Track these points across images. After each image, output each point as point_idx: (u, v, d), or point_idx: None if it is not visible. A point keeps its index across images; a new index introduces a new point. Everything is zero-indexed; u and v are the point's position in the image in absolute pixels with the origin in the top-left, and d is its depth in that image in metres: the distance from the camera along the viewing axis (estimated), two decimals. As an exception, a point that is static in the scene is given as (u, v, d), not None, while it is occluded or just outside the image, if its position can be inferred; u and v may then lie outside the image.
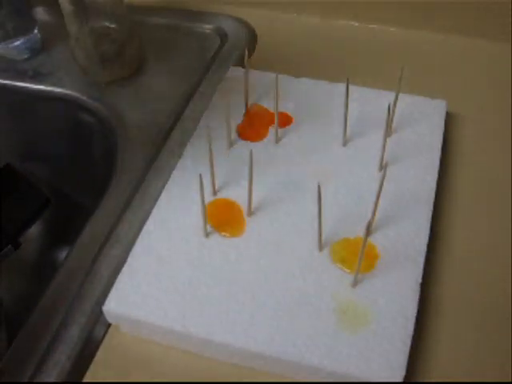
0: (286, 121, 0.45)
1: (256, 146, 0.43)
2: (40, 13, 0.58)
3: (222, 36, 0.55)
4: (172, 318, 0.34)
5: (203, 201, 0.36)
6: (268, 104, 0.46)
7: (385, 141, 0.40)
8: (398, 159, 0.42)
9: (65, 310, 0.37)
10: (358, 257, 0.34)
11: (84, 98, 0.51)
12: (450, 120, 0.46)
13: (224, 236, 0.38)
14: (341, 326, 0.33)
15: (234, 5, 0.57)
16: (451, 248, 0.39)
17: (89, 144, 0.54)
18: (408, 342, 0.33)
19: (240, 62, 0.50)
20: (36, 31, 0.54)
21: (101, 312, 0.35)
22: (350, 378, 0.32)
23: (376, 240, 0.37)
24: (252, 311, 0.34)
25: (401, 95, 0.43)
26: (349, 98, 0.41)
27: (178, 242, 0.38)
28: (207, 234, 0.38)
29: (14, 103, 0.54)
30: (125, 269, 0.36)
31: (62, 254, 0.58)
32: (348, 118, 0.42)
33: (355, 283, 0.35)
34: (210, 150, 0.38)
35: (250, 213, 0.39)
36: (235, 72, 0.49)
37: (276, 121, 0.43)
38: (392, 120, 0.43)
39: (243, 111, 0.46)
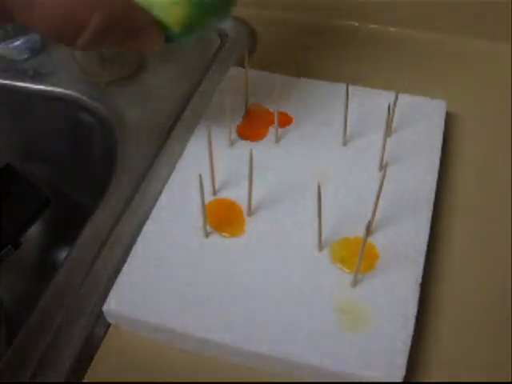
0: (286, 121, 0.45)
1: (256, 146, 0.43)
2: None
3: (222, 36, 0.55)
4: (172, 318, 0.34)
5: (203, 201, 0.36)
6: (268, 104, 0.46)
7: (385, 141, 0.40)
8: (398, 159, 0.42)
9: (65, 309, 0.37)
10: (357, 257, 0.34)
11: (84, 98, 0.51)
12: (450, 120, 0.46)
13: (224, 236, 0.38)
14: (341, 326, 0.33)
15: (234, 5, 0.57)
16: (451, 248, 0.39)
17: (89, 144, 0.54)
18: (408, 342, 0.33)
19: (240, 62, 0.50)
20: (36, 31, 0.54)
21: (101, 312, 0.35)
22: (349, 377, 0.32)
23: (376, 240, 0.37)
24: (252, 311, 0.34)
25: (401, 95, 0.43)
26: (349, 98, 0.41)
27: (178, 242, 0.38)
28: (207, 234, 0.38)
29: (14, 103, 0.54)
30: (125, 269, 0.36)
31: (62, 254, 0.58)
32: (348, 118, 0.42)
33: (355, 283, 0.35)
34: (210, 150, 0.38)
35: (250, 213, 0.39)
36: (235, 72, 0.49)
37: (276, 121, 0.43)
38: (392, 120, 0.43)
39: (243, 111, 0.46)
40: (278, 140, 0.44)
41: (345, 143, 0.43)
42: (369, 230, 0.33)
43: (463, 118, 0.47)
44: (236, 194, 0.40)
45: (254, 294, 0.35)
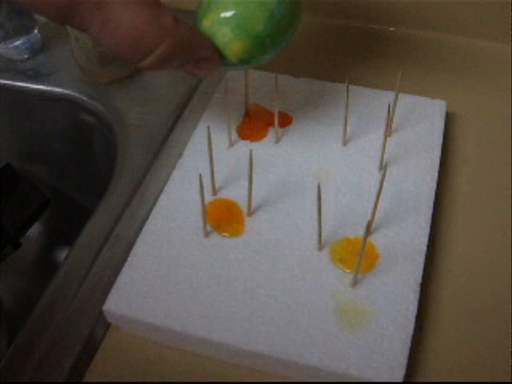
0: (285, 121, 0.45)
1: (256, 146, 0.43)
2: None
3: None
4: (172, 318, 0.34)
5: (203, 201, 0.36)
6: (268, 104, 0.46)
7: (385, 141, 0.40)
8: (398, 159, 0.42)
9: (65, 309, 0.37)
10: (357, 257, 0.34)
11: (84, 98, 0.51)
12: (450, 120, 0.46)
13: (224, 236, 0.38)
14: (341, 326, 0.33)
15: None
16: (451, 248, 0.39)
17: (89, 144, 0.54)
18: (408, 342, 0.33)
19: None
20: (36, 31, 0.54)
21: (101, 312, 0.35)
22: (349, 378, 0.32)
23: (376, 240, 0.37)
24: (252, 311, 0.34)
25: (401, 95, 0.43)
26: (349, 98, 0.41)
27: (177, 242, 0.38)
28: (207, 234, 0.38)
29: (14, 103, 0.55)
30: (125, 269, 0.36)
31: (62, 254, 0.58)
32: (348, 117, 0.42)
33: (355, 283, 0.35)
34: (210, 150, 0.38)
35: (250, 213, 0.39)
36: (235, 72, 0.49)
37: (276, 121, 0.43)
38: (392, 120, 0.43)
39: (243, 111, 0.46)
40: (277, 140, 0.44)
41: (345, 143, 0.43)
42: (369, 230, 0.33)
43: (463, 118, 0.47)
44: (236, 194, 0.40)
45: (254, 294, 0.35)
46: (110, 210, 0.42)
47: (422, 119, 0.45)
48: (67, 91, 0.51)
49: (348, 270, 0.36)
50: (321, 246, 0.37)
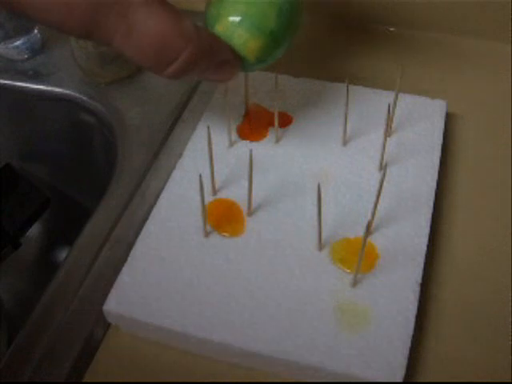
0: (286, 121, 0.45)
1: (256, 146, 0.43)
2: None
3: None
4: (172, 318, 0.34)
5: (203, 201, 0.36)
6: (268, 104, 0.46)
7: (385, 141, 0.40)
8: (397, 159, 0.42)
9: (65, 309, 0.37)
10: (358, 257, 0.34)
11: (84, 98, 0.51)
12: (450, 120, 0.46)
13: (224, 236, 0.38)
14: (341, 326, 0.33)
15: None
16: (451, 248, 0.39)
17: (89, 144, 0.54)
18: (408, 342, 0.33)
19: (240, 62, 0.50)
20: (36, 31, 0.54)
21: (101, 312, 0.35)
22: (349, 378, 0.32)
23: (376, 240, 0.37)
24: (252, 311, 0.34)
25: (401, 95, 0.43)
26: (349, 98, 0.41)
27: (177, 242, 0.38)
28: (207, 234, 0.38)
29: (14, 103, 0.55)
30: (125, 269, 0.36)
31: (62, 254, 0.58)
32: (348, 118, 0.42)
33: (355, 283, 0.35)
34: (210, 150, 0.38)
35: (250, 213, 0.39)
36: (235, 72, 0.49)
37: (276, 121, 0.43)
38: (392, 120, 0.43)
39: (243, 111, 0.46)
40: (277, 140, 0.44)
41: (345, 143, 0.43)
42: (369, 230, 0.33)
43: (463, 118, 0.47)
44: (236, 194, 0.40)
45: (254, 294, 0.35)
46: (110, 210, 0.42)
47: (421, 119, 0.45)
48: (67, 91, 0.51)
49: (348, 270, 0.36)
50: (321, 246, 0.37)
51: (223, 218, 0.39)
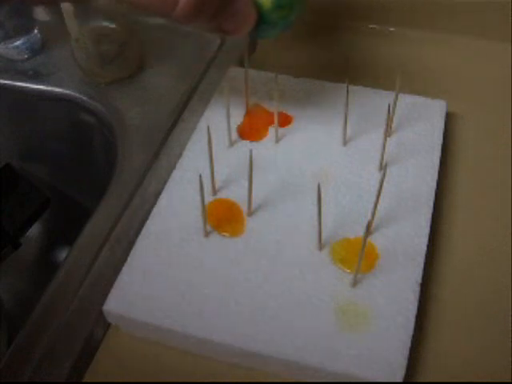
0: (285, 121, 0.45)
1: (256, 146, 0.43)
2: (40, 13, 0.58)
3: (222, 36, 0.55)
4: (172, 318, 0.34)
5: (203, 201, 0.36)
6: (268, 104, 0.46)
7: (385, 141, 0.40)
8: (397, 159, 0.42)
9: (65, 310, 0.37)
10: (358, 257, 0.34)
11: (84, 98, 0.51)
12: (450, 120, 0.46)
13: (224, 236, 0.38)
14: (341, 326, 0.33)
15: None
16: (451, 248, 0.39)
17: (89, 144, 0.54)
18: (408, 342, 0.33)
19: (240, 62, 0.50)
20: (36, 31, 0.54)
21: (101, 312, 0.35)
22: (349, 378, 0.32)
23: (376, 240, 0.37)
24: (252, 311, 0.34)
25: (401, 95, 0.43)
26: (349, 98, 0.41)
27: (177, 242, 0.38)
28: (207, 234, 0.38)
29: (14, 103, 0.55)
30: (125, 269, 0.36)
31: (62, 254, 0.58)
32: (348, 117, 0.42)
33: (355, 283, 0.35)
34: (210, 150, 0.38)
35: (250, 213, 0.39)
36: (235, 72, 0.49)
37: (276, 121, 0.43)
38: (392, 120, 0.43)
39: (243, 111, 0.46)
40: (278, 140, 0.44)
41: (345, 143, 0.43)
42: (369, 230, 0.33)
43: (463, 118, 0.47)
44: (236, 194, 0.40)
45: (254, 294, 0.35)
46: (110, 210, 0.42)
47: (421, 119, 0.45)
48: (67, 91, 0.51)
49: (348, 270, 0.36)
50: (321, 246, 0.37)
51: (223, 218, 0.39)
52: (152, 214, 0.39)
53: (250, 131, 0.45)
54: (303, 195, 0.40)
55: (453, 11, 0.53)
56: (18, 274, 0.58)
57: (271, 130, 0.44)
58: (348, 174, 0.41)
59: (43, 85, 0.52)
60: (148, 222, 0.39)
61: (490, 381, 0.34)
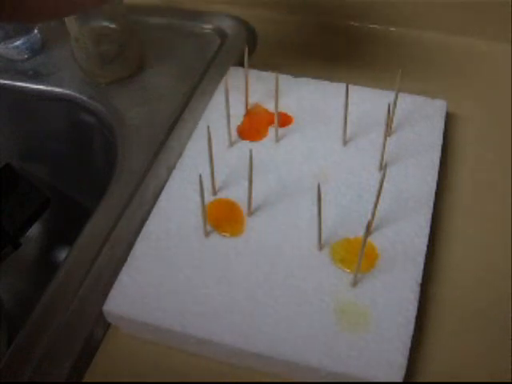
0: (285, 121, 0.45)
1: (256, 146, 0.43)
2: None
3: (222, 36, 0.55)
4: (171, 318, 0.34)
5: (203, 201, 0.36)
6: (268, 104, 0.46)
7: (385, 141, 0.40)
8: (397, 159, 0.42)
9: (65, 310, 0.37)
10: (358, 257, 0.34)
11: (84, 98, 0.51)
12: (450, 120, 0.46)
13: (224, 236, 0.38)
14: (341, 326, 0.33)
15: (234, 5, 0.57)
16: (451, 248, 0.39)
17: (89, 144, 0.54)
18: (408, 342, 0.33)
19: (240, 62, 0.50)
20: (36, 31, 0.54)
21: (101, 312, 0.35)
22: (349, 378, 0.32)
23: (376, 240, 0.37)
24: (251, 311, 0.34)
25: (401, 95, 0.43)
26: (349, 98, 0.41)
27: (177, 242, 0.38)
28: (207, 234, 0.38)
29: (14, 103, 0.55)
30: (125, 269, 0.36)
31: (62, 254, 0.58)
32: (348, 117, 0.42)
33: (355, 283, 0.35)
34: (210, 150, 0.38)
35: (250, 213, 0.39)
36: (235, 72, 0.49)
37: (276, 121, 0.43)
38: (392, 120, 0.43)
39: (243, 111, 0.46)
40: (278, 140, 0.44)
41: (345, 143, 0.43)
42: (369, 230, 0.33)
43: (463, 118, 0.47)
44: (236, 193, 0.40)
45: (254, 294, 0.35)
46: (110, 210, 0.42)
47: (421, 119, 0.45)
48: (67, 91, 0.51)
49: (348, 270, 0.36)
50: (321, 246, 0.37)
51: (223, 217, 0.39)
52: (152, 213, 0.39)
53: (249, 131, 0.45)
54: (303, 195, 0.40)
55: (453, 11, 0.53)
56: (17, 274, 0.58)
57: (271, 130, 0.44)
58: (348, 173, 0.41)
59: (43, 85, 0.52)
60: (148, 221, 0.39)
61: (489, 381, 0.34)
